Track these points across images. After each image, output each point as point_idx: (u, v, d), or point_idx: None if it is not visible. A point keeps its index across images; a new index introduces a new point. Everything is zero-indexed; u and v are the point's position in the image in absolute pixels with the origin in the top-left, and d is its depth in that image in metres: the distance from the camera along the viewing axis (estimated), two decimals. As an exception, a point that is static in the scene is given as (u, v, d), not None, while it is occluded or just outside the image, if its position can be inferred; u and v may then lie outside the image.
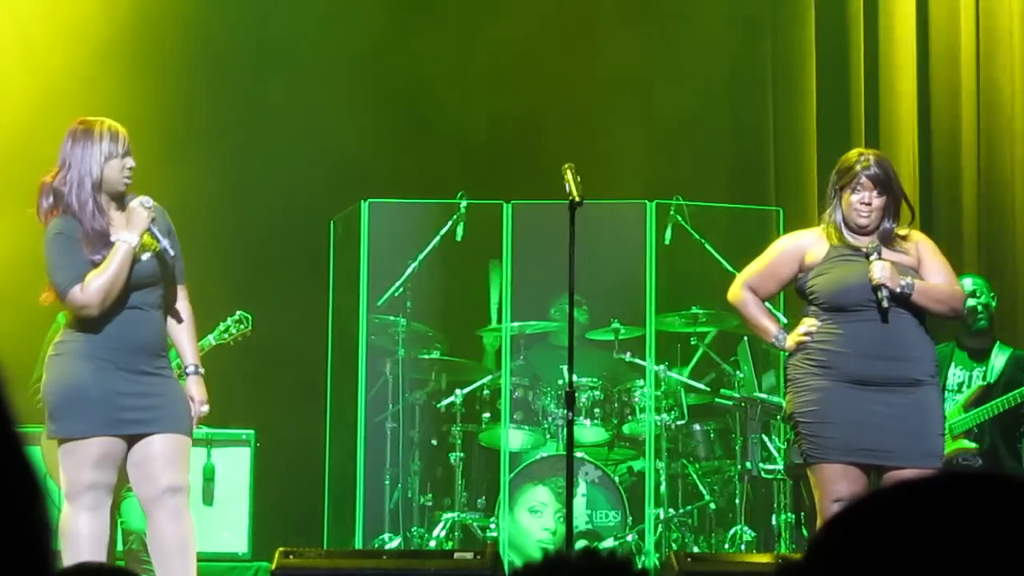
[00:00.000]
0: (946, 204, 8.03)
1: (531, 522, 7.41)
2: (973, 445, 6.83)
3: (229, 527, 7.32)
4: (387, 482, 7.70)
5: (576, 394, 6.37)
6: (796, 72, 8.51)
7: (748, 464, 7.21)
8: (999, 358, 7.04)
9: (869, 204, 5.18)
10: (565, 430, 6.04)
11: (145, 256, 5.06)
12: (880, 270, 5.11)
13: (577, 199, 5.27)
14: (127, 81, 7.78)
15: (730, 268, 7.41)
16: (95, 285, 4.94)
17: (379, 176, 8.30)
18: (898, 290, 5.09)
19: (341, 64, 8.46)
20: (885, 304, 5.09)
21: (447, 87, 8.60)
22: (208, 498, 7.30)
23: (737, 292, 5.47)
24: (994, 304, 7.12)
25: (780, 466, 7.14)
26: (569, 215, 5.26)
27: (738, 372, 7.49)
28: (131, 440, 5.02)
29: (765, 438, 7.32)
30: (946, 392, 6.94)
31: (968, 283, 6.95)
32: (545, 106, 8.48)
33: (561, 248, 5.27)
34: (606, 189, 7.25)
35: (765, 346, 7.39)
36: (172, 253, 5.12)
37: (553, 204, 5.75)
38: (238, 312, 6.68)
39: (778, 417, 7.21)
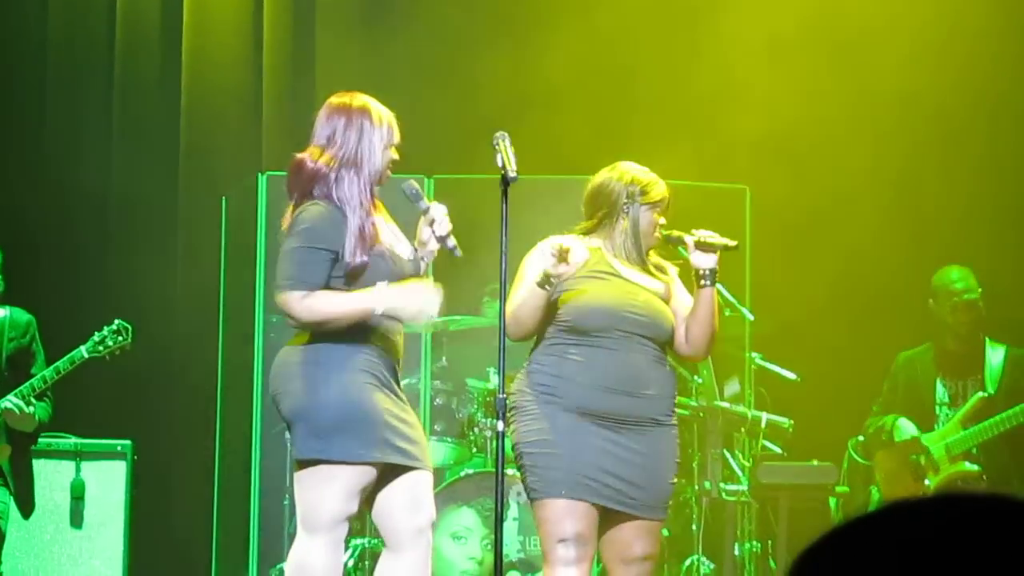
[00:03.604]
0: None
1: (454, 550, 7.03)
2: (975, 468, 6.43)
3: (100, 554, 7.01)
4: (286, 503, 7.32)
5: (507, 401, 5.88)
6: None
7: (707, 484, 6.94)
8: (995, 355, 6.53)
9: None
10: (494, 443, 5.65)
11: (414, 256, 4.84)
12: (702, 234, 4.95)
13: (512, 173, 4.79)
14: None
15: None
16: (320, 308, 4.61)
17: (279, 145, 7.80)
18: (705, 272, 4.92)
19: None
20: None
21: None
22: (77, 520, 6.95)
23: None
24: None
25: (744, 487, 6.90)
26: (502, 191, 4.84)
27: (696, 377, 7.14)
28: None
29: (727, 454, 7.11)
30: (936, 406, 6.63)
31: (956, 275, 6.77)
32: (482, 72, 8.11)
33: (493, 228, 4.87)
34: (547, 164, 6.89)
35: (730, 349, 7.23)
36: (459, 254, 4.82)
37: (483, 179, 5.49)
38: (116, 322, 6.17)
39: (742, 429, 7.03)
